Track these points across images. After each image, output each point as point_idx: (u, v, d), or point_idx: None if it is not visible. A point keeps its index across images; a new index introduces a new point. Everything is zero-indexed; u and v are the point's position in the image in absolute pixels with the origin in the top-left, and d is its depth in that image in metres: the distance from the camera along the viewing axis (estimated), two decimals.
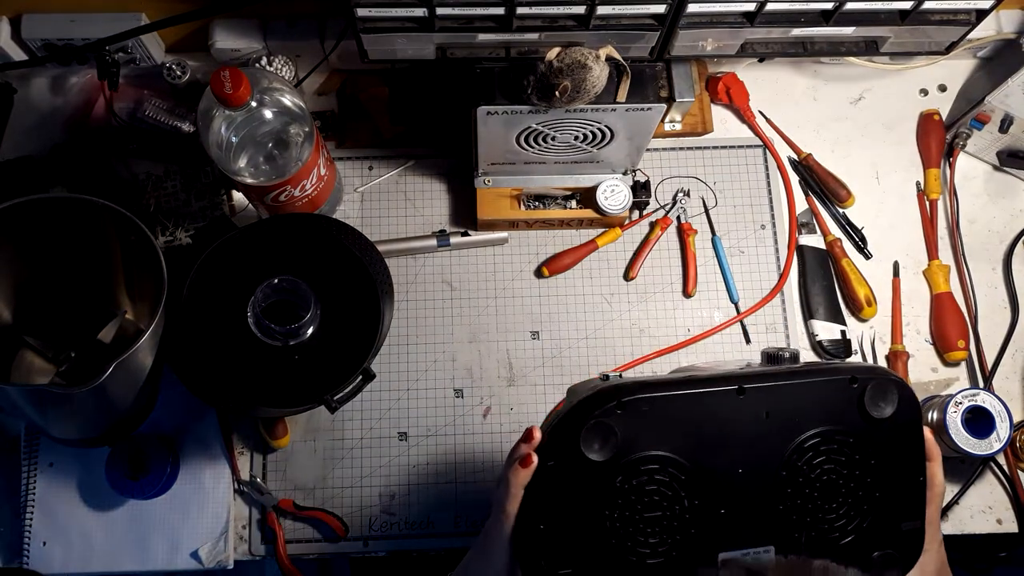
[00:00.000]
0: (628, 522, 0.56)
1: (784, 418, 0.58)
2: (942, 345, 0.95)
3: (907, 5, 0.76)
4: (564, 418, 0.57)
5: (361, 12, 0.73)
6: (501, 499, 0.58)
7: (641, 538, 0.57)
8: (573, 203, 0.98)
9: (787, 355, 0.62)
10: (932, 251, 0.99)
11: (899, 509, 0.60)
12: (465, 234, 0.98)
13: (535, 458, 0.57)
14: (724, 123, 1.04)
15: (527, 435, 0.58)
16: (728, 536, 0.57)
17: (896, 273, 0.99)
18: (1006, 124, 0.94)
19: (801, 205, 1.01)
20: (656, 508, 0.57)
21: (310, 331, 0.81)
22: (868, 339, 0.96)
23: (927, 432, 0.61)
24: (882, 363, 0.95)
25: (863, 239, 0.99)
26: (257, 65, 0.95)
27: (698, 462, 0.57)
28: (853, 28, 0.79)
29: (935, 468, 0.62)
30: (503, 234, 0.98)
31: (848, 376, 0.59)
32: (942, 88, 1.05)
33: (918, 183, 1.02)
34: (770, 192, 1.01)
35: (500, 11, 0.73)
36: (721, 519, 0.57)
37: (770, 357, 0.62)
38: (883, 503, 0.59)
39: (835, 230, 1.00)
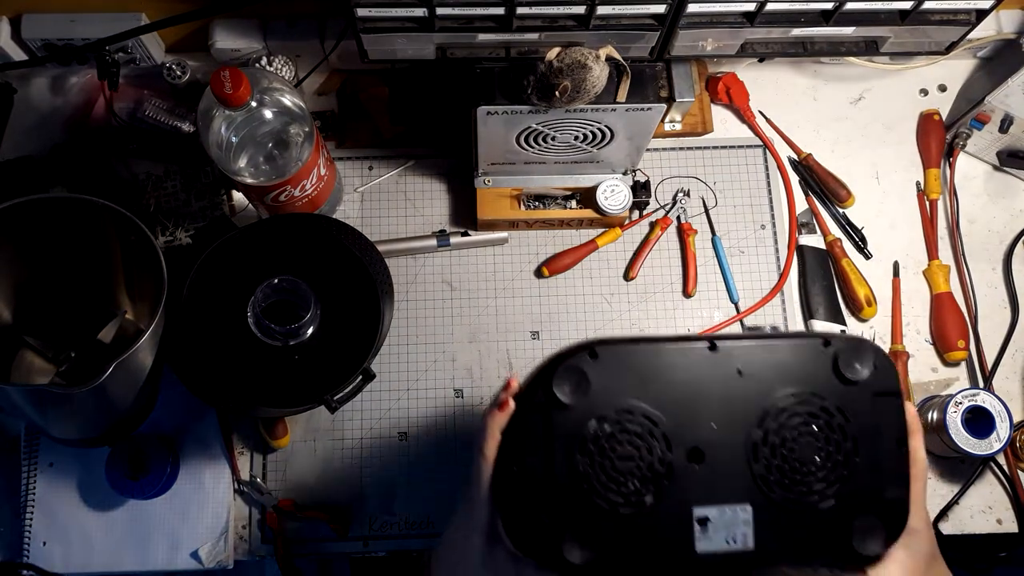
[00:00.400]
0: (600, 469, 0.58)
1: (757, 376, 0.60)
2: (942, 345, 0.95)
3: (907, 5, 0.76)
4: (541, 366, 0.59)
5: (361, 12, 0.73)
6: (480, 443, 0.59)
7: (613, 486, 0.58)
8: (573, 203, 0.98)
9: (767, 328, 0.64)
10: (932, 251, 0.99)
11: (881, 476, 0.60)
12: (465, 234, 0.98)
13: (512, 403, 0.59)
14: (724, 123, 1.04)
15: (506, 384, 0.60)
16: (703, 491, 0.58)
17: (896, 273, 0.99)
18: (1006, 124, 0.94)
19: (801, 205, 1.01)
20: (628, 457, 0.58)
21: (310, 331, 0.81)
22: (868, 339, 0.96)
23: (908, 406, 0.62)
24: None
25: (863, 239, 0.99)
26: (257, 65, 0.95)
27: (671, 414, 0.59)
28: (853, 28, 0.79)
29: (916, 443, 0.62)
30: (503, 234, 0.98)
31: (822, 339, 0.61)
32: (942, 88, 1.05)
33: (918, 183, 1.02)
34: (770, 192, 1.01)
35: (500, 11, 0.73)
36: (695, 473, 0.58)
37: (750, 330, 0.65)
38: (864, 469, 0.60)
39: (835, 230, 1.00)
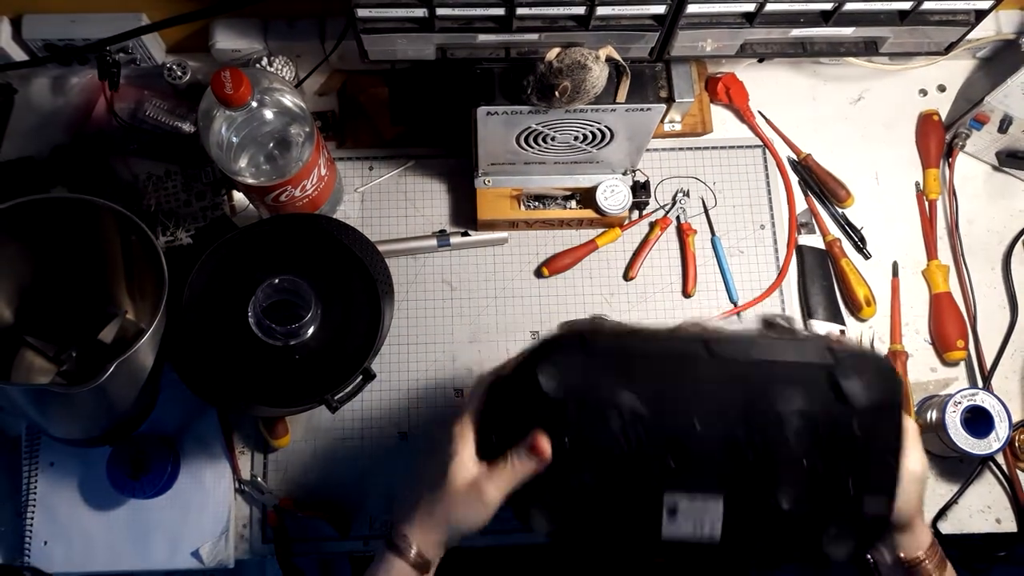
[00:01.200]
0: (577, 450, 0.59)
1: (750, 380, 0.59)
2: (941, 345, 0.96)
3: (906, 5, 0.76)
4: (532, 348, 0.61)
5: (361, 12, 0.73)
6: (465, 402, 0.62)
7: (588, 467, 0.59)
8: (573, 203, 0.99)
9: (784, 323, 0.63)
10: (931, 251, 0.99)
11: (864, 490, 0.59)
12: (465, 234, 0.98)
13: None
14: (724, 123, 1.04)
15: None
16: (678, 480, 0.59)
17: (895, 273, 0.99)
18: (1005, 124, 0.95)
19: (800, 205, 1.01)
20: (606, 442, 0.59)
21: (310, 331, 0.81)
22: (867, 339, 0.97)
23: (909, 423, 0.60)
24: None
25: (862, 239, 0.99)
26: (258, 65, 0.95)
27: (655, 407, 0.59)
28: (852, 28, 0.79)
29: (913, 456, 0.60)
30: (503, 234, 0.98)
31: (826, 347, 0.59)
32: (941, 88, 1.06)
33: (917, 183, 1.02)
34: (769, 192, 1.01)
35: (500, 12, 0.73)
36: (672, 463, 0.59)
37: (768, 324, 0.64)
38: (847, 480, 0.59)
39: (834, 230, 1.00)
